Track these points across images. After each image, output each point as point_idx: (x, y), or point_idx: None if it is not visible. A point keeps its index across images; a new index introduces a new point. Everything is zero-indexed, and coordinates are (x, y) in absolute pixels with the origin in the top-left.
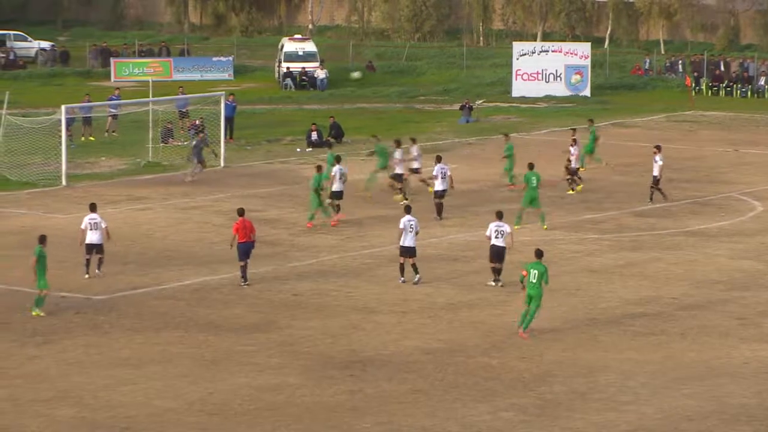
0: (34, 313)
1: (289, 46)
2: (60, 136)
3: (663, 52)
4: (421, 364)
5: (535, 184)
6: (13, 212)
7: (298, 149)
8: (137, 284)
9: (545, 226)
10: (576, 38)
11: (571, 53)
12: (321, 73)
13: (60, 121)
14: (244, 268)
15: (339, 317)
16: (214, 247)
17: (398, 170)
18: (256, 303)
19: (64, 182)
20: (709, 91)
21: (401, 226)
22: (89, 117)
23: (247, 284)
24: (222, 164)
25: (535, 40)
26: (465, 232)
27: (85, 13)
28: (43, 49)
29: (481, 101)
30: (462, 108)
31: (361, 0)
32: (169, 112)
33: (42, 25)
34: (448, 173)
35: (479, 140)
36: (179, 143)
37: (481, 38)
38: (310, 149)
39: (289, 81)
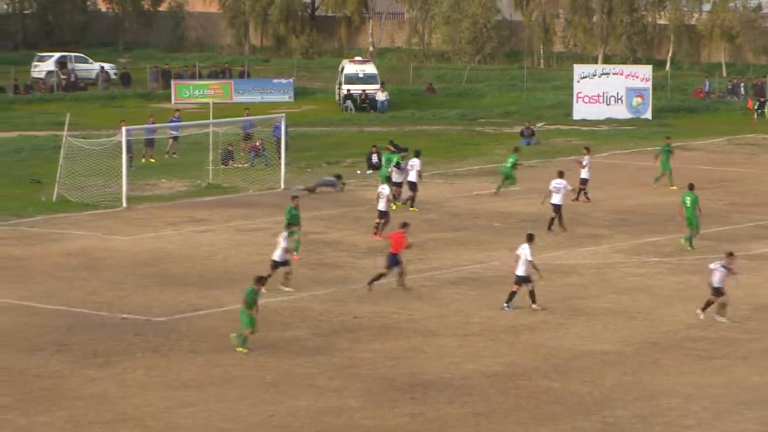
0: (238, 349)
1: (349, 68)
2: (123, 157)
3: (725, 74)
4: (482, 387)
5: (689, 205)
6: (73, 234)
7: (359, 171)
8: (197, 306)
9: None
10: (637, 61)
11: (633, 76)
12: (381, 95)
13: (120, 142)
14: (381, 276)
15: (400, 340)
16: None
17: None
18: (317, 325)
19: (124, 204)
20: None
21: (518, 252)
22: (152, 138)
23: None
24: (282, 186)
25: (596, 63)
26: None
27: (146, 34)
28: (104, 71)
29: (541, 124)
30: (522, 133)
31: (421, 22)
32: (230, 134)
33: (104, 47)
34: (566, 188)
35: (541, 163)
36: (239, 165)
37: (542, 60)
38: (371, 171)
39: (349, 103)
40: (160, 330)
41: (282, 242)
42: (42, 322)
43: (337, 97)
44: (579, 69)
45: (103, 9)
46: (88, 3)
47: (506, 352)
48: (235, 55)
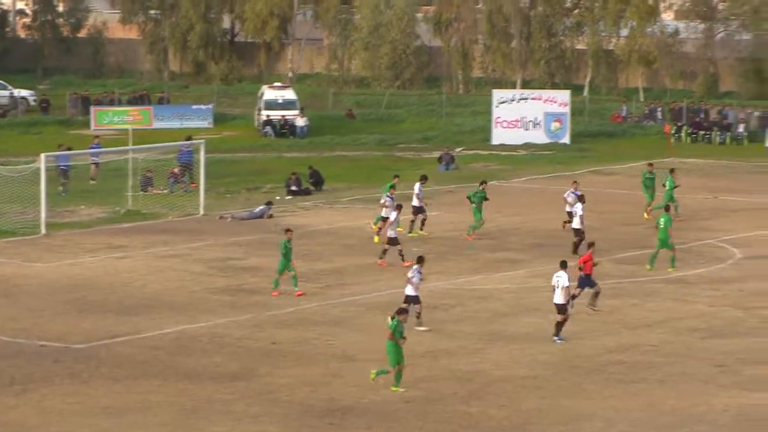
0: (393, 389)
1: (269, 93)
2: (42, 183)
3: (642, 99)
4: (400, 413)
5: (662, 226)
6: None
7: (278, 197)
8: (116, 333)
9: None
10: (555, 86)
11: (551, 100)
12: (301, 121)
13: (39, 169)
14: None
15: (318, 365)
16: (193, 296)
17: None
18: (236, 351)
19: (43, 230)
20: (688, 138)
21: (553, 282)
22: (67, 166)
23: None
24: (201, 212)
25: (515, 88)
26: (444, 280)
27: (66, 60)
28: (23, 98)
29: (460, 149)
30: (440, 159)
31: (341, 48)
32: (150, 160)
33: (23, 73)
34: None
35: (459, 187)
36: (159, 191)
37: (461, 86)
38: (290, 197)
39: (269, 129)
40: (79, 357)
41: (412, 276)
42: None
43: (256, 123)
44: (498, 94)
45: (22, 35)
46: (7, 30)
47: (424, 377)
48: (155, 81)
